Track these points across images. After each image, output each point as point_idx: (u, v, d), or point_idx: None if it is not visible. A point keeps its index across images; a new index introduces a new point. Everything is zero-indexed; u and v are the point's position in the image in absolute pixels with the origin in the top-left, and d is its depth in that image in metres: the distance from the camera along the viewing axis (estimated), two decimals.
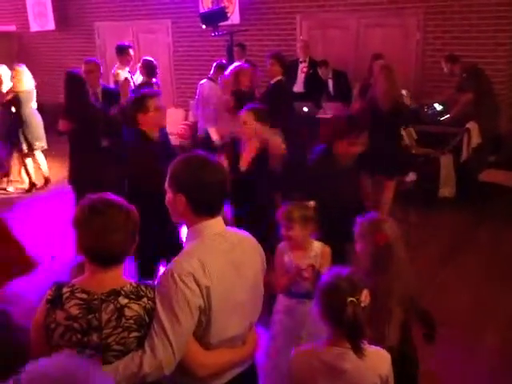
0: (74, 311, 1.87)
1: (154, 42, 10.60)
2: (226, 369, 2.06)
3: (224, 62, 7.57)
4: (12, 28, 11.90)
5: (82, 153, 5.51)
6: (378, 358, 2.14)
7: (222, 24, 7.70)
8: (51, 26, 11.18)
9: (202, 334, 1.97)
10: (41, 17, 11.29)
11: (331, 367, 2.07)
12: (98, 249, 1.89)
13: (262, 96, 6.37)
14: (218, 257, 1.98)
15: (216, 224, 2.05)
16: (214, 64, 7.41)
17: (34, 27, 11.39)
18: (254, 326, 2.21)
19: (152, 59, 7.28)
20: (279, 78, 6.28)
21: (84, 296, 1.90)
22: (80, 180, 5.51)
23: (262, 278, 2.20)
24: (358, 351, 2.01)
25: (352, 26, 8.61)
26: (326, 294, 2.07)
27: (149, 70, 7.08)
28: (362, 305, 2.01)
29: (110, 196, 1.97)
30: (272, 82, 6.32)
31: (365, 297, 2.03)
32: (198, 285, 1.89)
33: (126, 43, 7.94)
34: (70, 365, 1.02)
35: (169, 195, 2.06)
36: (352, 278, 2.07)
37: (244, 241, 2.15)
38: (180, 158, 2.07)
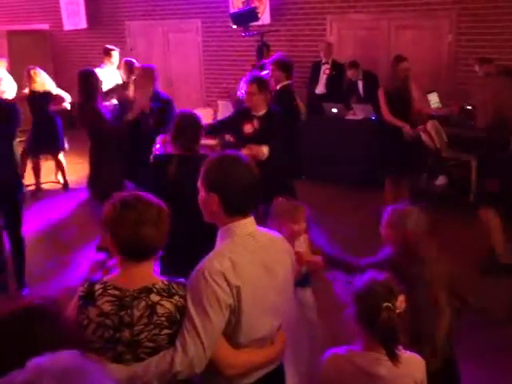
0: (107, 308, 1.89)
1: (183, 42, 10.67)
2: (254, 369, 2.06)
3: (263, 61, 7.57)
4: (45, 27, 12.09)
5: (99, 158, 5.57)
6: (413, 364, 2.11)
7: (252, 24, 7.72)
8: (83, 24, 11.33)
9: (231, 333, 1.97)
10: (74, 16, 11.44)
11: (366, 373, 2.05)
12: (130, 242, 1.91)
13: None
14: (248, 257, 1.98)
15: (248, 224, 2.04)
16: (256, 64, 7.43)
17: (67, 26, 11.55)
18: (283, 327, 2.20)
19: (133, 60, 7.45)
20: (285, 83, 5.97)
21: (116, 293, 1.91)
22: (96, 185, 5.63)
23: (292, 279, 2.20)
24: (393, 358, 1.99)
25: (383, 27, 8.54)
26: (361, 298, 2.05)
27: (129, 69, 7.18)
28: (398, 311, 1.99)
29: (140, 193, 2.00)
30: (278, 87, 6.01)
31: (400, 302, 2.00)
32: (229, 284, 1.89)
33: (110, 47, 8.50)
34: (71, 362, 1.01)
35: (201, 194, 2.07)
36: (388, 283, 2.05)
37: (275, 241, 2.15)
38: (212, 158, 2.08)
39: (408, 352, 2.10)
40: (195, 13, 10.23)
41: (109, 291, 1.92)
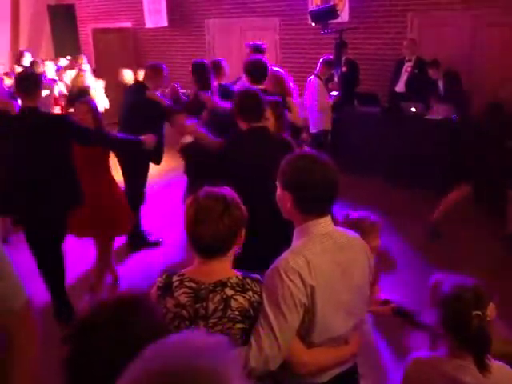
0: (183, 299, 1.94)
1: (261, 40, 10.71)
2: (327, 368, 2.05)
3: (330, 57, 7.52)
4: (128, 25, 12.50)
5: None
6: (502, 375, 2.01)
7: (330, 22, 7.66)
8: (164, 22, 11.62)
9: (305, 332, 1.97)
10: (155, 14, 11.76)
11: (451, 379, 1.97)
12: (193, 240, 1.96)
13: None
14: (324, 257, 1.97)
15: (324, 223, 2.03)
16: (321, 60, 7.37)
17: (149, 24, 11.89)
18: (358, 327, 2.17)
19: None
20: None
21: (192, 285, 1.95)
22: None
23: (369, 279, 2.16)
24: (483, 367, 1.91)
25: (468, 24, 8.22)
26: (449, 305, 1.97)
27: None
28: (488, 319, 1.90)
29: (220, 189, 2.01)
30: None
31: (491, 310, 1.92)
32: (304, 283, 1.89)
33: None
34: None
35: (278, 191, 2.08)
36: (477, 290, 1.96)
37: (352, 241, 2.12)
38: (290, 156, 2.08)
39: (497, 362, 2.00)
40: (274, 11, 10.25)
41: (185, 283, 1.96)
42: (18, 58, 8.95)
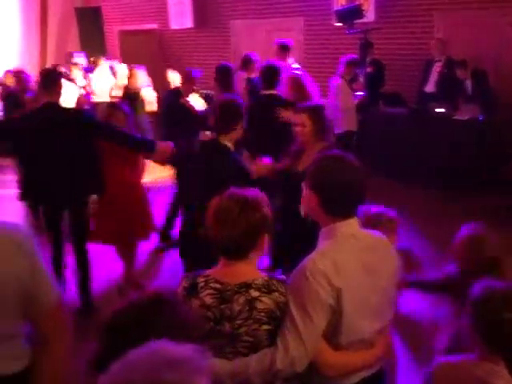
0: (208, 300, 1.95)
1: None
2: (354, 370, 2.03)
3: (354, 57, 7.48)
4: (154, 26, 12.60)
5: None
6: None
7: (356, 22, 7.62)
8: (189, 24, 11.68)
9: (331, 334, 1.96)
10: (180, 15, 11.83)
11: (483, 383, 1.96)
12: (213, 242, 1.97)
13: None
14: (351, 258, 1.96)
15: (350, 225, 2.01)
16: (344, 60, 7.33)
17: (174, 25, 11.96)
18: (386, 330, 2.15)
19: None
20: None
21: (217, 286, 1.96)
22: None
23: (396, 281, 2.14)
24: None
25: (495, 23, 8.09)
26: (479, 308, 1.95)
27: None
28: None
29: (245, 191, 2.02)
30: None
31: None
32: (330, 285, 1.88)
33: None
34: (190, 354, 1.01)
35: (304, 191, 2.07)
36: (509, 292, 1.94)
37: (379, 243, 2.10)
38: (318, 157, 2.08)
39: None
40: (298, 11, 10.23)
41: (210, 284, 1.97)
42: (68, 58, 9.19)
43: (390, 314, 2.14)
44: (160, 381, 0.92)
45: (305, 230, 2.48)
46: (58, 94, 4.31)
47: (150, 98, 8.11)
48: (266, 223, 1.99)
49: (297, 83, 5.31)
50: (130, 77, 7.65)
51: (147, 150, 4.46)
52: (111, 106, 4.96)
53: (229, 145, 3.53)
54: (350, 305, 1.92)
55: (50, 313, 1.87)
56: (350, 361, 2.01)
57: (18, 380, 1.81)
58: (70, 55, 10.21)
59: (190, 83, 5.76)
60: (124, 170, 4.57)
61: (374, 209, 2.89)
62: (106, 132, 4.36)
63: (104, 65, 9.56)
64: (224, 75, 5.74)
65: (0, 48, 12.27)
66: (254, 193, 2.02)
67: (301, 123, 3.56)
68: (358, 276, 1.95)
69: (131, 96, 7.34)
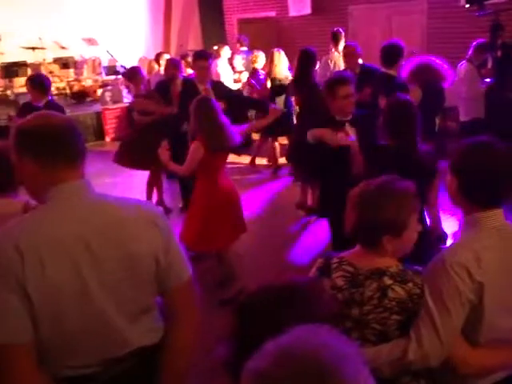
0: (340, 282, 1.95)
1: (407, 24, 10.33)
2: (492, 370, 1.93)
3: (484, 41, 7.07)
4: (272, 14, 12.69)
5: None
6: None
7: (486, 2, 7.16)
8: (307, 10, 11.64)
9: (470, 331, 1.87)
10: (299, 2, 11.82)
11: None
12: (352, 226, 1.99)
13: None
14: (494, 252, 1.84)
15: (494, 216, 1.90)
16: (474, 44, 6.97)
17: (292, 12, 11.98)
18: None
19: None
20: None
21: (350, 269, 1.96)
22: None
23: None
24: None
25: None
26: None
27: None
28: None
29: (399, 181, 1.99)
30: None
31: None
32: (472, 279, 1.79)
33: None
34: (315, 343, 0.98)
35: (448, 176, 2.00)
36: None
37: None
38: (465, 141, 1.99)
39: None
40: None
41: (343, 267, 1.97)
42: (156, 57, 9.33)
43: None
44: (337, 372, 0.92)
45: None
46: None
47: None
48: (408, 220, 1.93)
49: (423, 67, 5.13)
50: (277, 64, 7.52)
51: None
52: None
53: None
54: (492, 301, 1.82)
55: (181, 289, 1.89)
56: (490, 359, 1.91)
57: (156, 351, 1.87)
58: (186, 55, 10.20)
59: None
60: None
61: None
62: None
63: (227, 53, 9.66)
64: (300, 59, 6.10)
65: (129, 38, 13.00)
66: (405, 184, 1.98)
67: None
68: (501, 271, 1.84)
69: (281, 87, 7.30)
